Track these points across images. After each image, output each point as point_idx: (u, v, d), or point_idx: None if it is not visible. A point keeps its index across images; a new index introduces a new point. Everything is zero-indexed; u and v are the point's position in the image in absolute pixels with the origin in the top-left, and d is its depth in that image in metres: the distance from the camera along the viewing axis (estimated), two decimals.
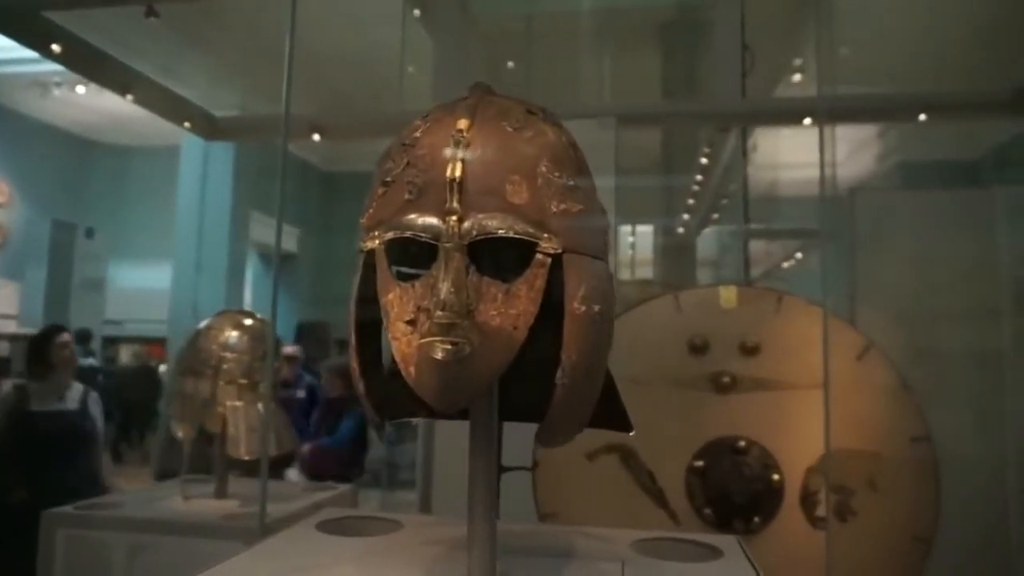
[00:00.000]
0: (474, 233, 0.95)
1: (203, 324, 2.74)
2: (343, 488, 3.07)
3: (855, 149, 6.56)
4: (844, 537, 2.33)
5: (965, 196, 3.66)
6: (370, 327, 1.09)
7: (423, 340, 0.93)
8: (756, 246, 5.62)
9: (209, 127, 4.49)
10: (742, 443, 2.44)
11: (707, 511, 2.43)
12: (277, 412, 2.72)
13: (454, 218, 0.95)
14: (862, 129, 6.28)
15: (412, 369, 0.96)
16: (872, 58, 5.73)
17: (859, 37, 5.35)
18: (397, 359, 0.98)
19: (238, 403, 2.61)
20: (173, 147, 9.30)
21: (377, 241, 1.02)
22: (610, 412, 1.22)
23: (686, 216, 5.93)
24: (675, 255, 6.33)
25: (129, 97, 3.84)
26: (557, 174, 1.01)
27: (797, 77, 5.80)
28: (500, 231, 0.95)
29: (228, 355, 2.65)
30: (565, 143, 1.07)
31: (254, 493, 2.40)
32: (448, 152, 0.98)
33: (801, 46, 5.57)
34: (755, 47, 4.79)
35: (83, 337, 7.90)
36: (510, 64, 5.38)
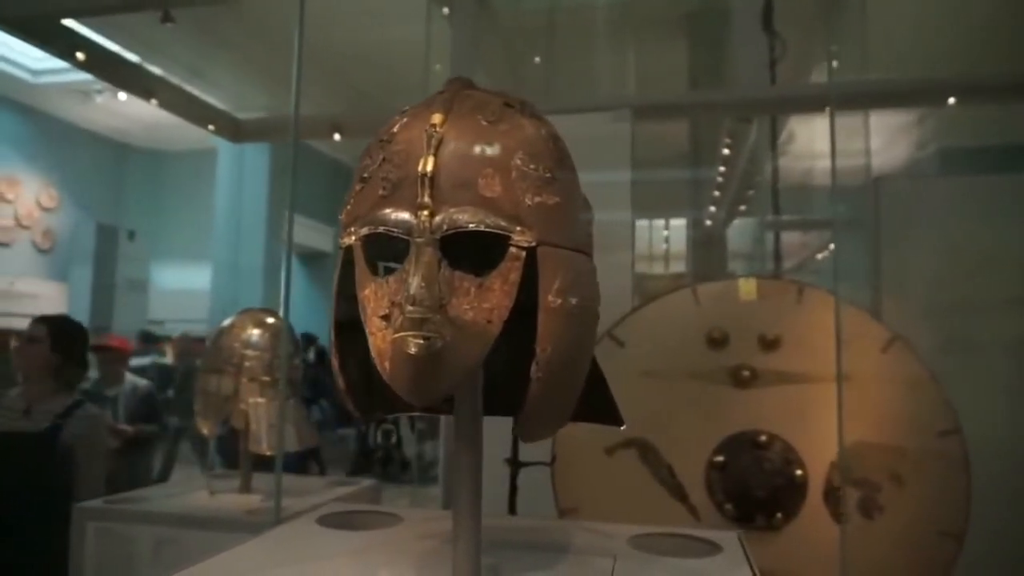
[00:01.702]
0: (445, 227, 0.95)
1: (226, 322, 2.79)
2: (366, 483, 3.10)
3: (893, 136, 6.39)
4: (870, 534, 2.27)
5: (997, 182, 3.53)
6: (353, 323, 1.10)
7: (396, 335, 0.94)
8: (790, 237, 5.51)
9: (234, 129, 4.55)
10: (763, 437, 2.39)
11: (728, 506, 2.39)
12: (297, 408, 2.75)
13: (425, 213, 0.95)
14: (901, 116, 6.12)
15: (387, 364, 0.97)
16: (905, 43, 5.57)
17: (891, 22, 5.20)
18: (373, 354, 0.99)
19: (260, 400, 2.65)
20: (211, 150, 9.49)
21: (354, 237, 1.03)
22: (600, 406, 1.21)
23: (712, 208, 5.84)
24: (706, 248, 6.25)
25: (153, 101, 3.92)
26: (533, 167, 1.00)
27: (834, 64, 5.66)
28: (471, 225, 0.95)
29: (250, 352, 2.69)
30: (544, 136, 1.06)
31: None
32: (421, 147, 0.98)
33: (836, 33, 5.44)
34: (787, 35, 4.70)
35: (148, 339, 7.93)
36: (536, 60, 5.36)
